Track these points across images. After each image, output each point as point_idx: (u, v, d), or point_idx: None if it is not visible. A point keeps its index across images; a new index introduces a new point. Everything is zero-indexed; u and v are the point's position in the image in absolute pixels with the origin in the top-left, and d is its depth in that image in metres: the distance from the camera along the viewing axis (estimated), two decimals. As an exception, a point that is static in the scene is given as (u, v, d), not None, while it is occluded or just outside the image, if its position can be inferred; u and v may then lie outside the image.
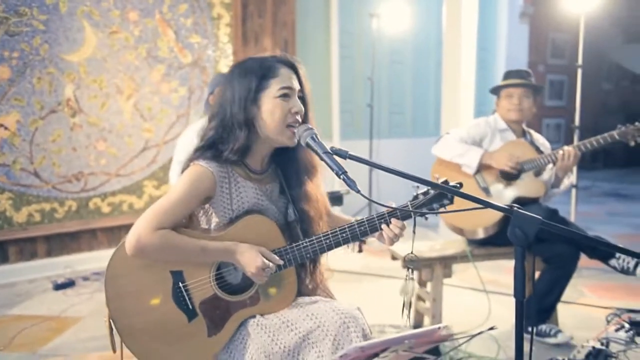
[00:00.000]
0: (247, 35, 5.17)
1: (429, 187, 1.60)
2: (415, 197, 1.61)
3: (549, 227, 1.40)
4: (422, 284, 3.15)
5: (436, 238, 4.76)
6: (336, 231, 1.58)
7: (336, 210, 3.00)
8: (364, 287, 3.92)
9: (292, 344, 1.49)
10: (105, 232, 4.45)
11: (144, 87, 4.59)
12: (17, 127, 4.06)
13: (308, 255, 1.60)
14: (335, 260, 2.73)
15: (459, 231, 2.99)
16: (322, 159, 1.48)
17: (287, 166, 1.68)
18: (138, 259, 1.51)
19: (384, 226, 1.59)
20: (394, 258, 3.11)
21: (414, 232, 1.62)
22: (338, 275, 4.10)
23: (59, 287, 3.89)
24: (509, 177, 2.95)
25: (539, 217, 1.37)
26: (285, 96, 1.57)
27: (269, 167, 1.69)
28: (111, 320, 1.55)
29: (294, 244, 1.60)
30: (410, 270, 1.70)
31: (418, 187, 1.64)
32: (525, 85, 3.01)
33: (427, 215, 1.62)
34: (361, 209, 5.44)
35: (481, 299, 3.41)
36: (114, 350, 1.55)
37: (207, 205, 1.60)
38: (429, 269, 2.96)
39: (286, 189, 1.67)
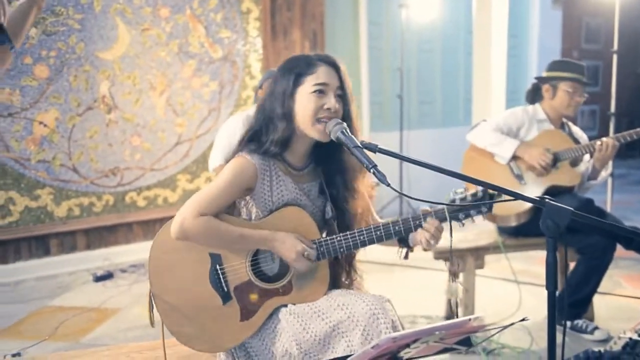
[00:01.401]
0: (276, 28, 5.20)
1: (466, 193, 1.60)
2: (453, 202, 1.62)
3: (581, 218, 1.39)
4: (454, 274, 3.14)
5: (469, 228, 4.72)
6: (370, 228, 1.62)
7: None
8: (395, 278, 3.94)
9: (323, 333, 1.52)
10: (140, 225, 4.56)
11: (175, 83, 4.67)
12: (56, 124, 4.19)
13: (342, 250, 1.64)
14: (365, 251, 2.77)
15: (491, 218, 2.97)
16: (352, 153, 1.51)
17: (330, 165, 1.72)
18: (181, 240, 1.58)
19: (419, 229, 1.63)
20: (424, 250, 3.11)
21: (450, 235, 1.66)
22: (369, 266, 4.12)
23: (98, 279, 4.01)
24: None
25: (571, 208, 1.37)
26: (319, 92, 1.61)
27: (309, 164, 1.73)
28: (152, 296, 1.62)
29: (328, 238, 1.64)
30: (454, 274, 1.71)
31: (456, 192, 1.65)
32: (586, 84, 2.95)
33: (463, 222, 1.62)
34: (389, 202, 5.44)
35: (513, 290, 3.39)
36: (153, 325, 1.61)
37: (247, 197, 1.66)
38: (461, 260, 2.96)
39: (325, 187, 1.71)
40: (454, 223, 1.66)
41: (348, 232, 1.64)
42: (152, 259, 1.62)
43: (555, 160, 2.88)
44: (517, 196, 1.46)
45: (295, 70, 1.65)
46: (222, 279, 1.62)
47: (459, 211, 1.63)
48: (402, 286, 3.76)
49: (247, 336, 1.63)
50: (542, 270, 4.01)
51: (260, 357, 1.63)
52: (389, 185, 1.43)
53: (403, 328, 1.72)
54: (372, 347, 0.96)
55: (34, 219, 4.14)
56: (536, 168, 2.87)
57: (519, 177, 2.93)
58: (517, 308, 3.19)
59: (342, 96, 1.66)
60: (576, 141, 2.98)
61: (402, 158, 1.52)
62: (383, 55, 5.90)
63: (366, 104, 5.78)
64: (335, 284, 1.74)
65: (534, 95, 3.07)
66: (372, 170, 1.45)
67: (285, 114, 1.63)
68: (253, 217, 1.67)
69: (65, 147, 4.24)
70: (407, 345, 0.97)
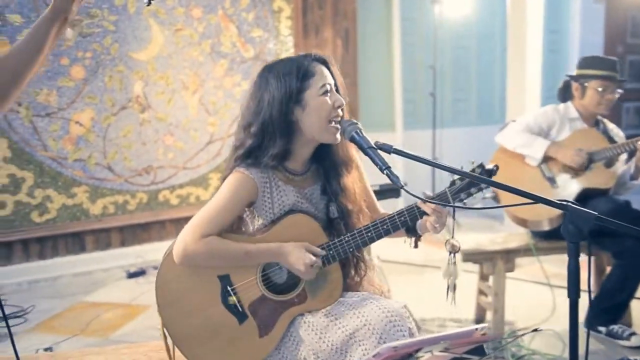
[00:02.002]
0: (307, 27, 5.19)
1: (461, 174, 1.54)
2: (453, 183, 1.58)
3: (605, 223, 1.33)
4: (484, 277, 3.07)
5: (502, 230, 4.61)
6: (377, 223, 1.58)
7: (393, 202, 2.99)
8: (425, 279, 3.87)
9: (339, 342, 1.50)
10: (173, 223, 4.62)
11: (208, 82, 4.71)
12: (92, 123, 4.29)
13: (351, 250, 1.60)
14: (395, 252, 2.73)
15: (522, 222, 2.89)
16: (366, 154, 1.48)
17: (324, 161, 1.68)
18: (185, 266, 1.56)
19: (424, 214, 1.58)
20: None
21: (453, 217, 1.63)
22: (399, 268, 4.07)
23: (131, 275, 4.09)
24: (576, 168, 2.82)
25: (601, 211, 1.31)
26: (326, 92, 1.58)
27: (310, 167, 1.70)
28: (164, 328, 1.61)
29: (336, 240, 1.60)
30: (452, 254, 1.66)
31: (462, 167, 1.60)
32: (619, 80, 2.82)
33: (465, 201, 1.59)
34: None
35: (546, 294, 3.28)
36: (171, 358, 1.60)
37: (251, 209, 1.65)
38: (490, 262, 2.89)
39: (327, 185, 1.68)
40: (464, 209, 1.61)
41: (355, 231, 1.60)
42: (159, 291, 1.59)
43: (589, 161, 2.77)
44: (538, 200, 1.41)
45: (293, 74, 1.57)
46: (235, 299, 1.59)
47: (460, 191, 1.58)
48: (431, 287, 3.69)
49: (268, 351, 1.60)
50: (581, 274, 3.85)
51: None
52: (402, 187, 1.40)
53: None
54: (374, 356, 0.94)
55: (71, 216, 4.25)
56: (570, 168, 2.77)
57: (551, 180, 2.84)
58: (550, 313, 3.09)
59: (337, 90, 1.64)
60: (611, 140, 2.86)
61: (418, 159, 1.48)
62: (416, 52, 5.81)
63: (399, 101, 5.70)
64: (346, 283, 1.69)
65: (565, 93, 2.96)
66: (385, 172, 1.41)
67: (288, 124, 1.57)
68: (257, 226, 1.64)
69: (100, 146, 4.33)
70: (410, 355, 0.94)
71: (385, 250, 3.40)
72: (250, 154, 1.59)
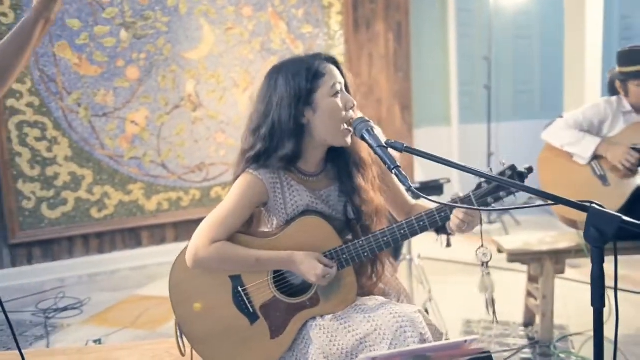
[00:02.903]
0: (358, 21, 5.13)
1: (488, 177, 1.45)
2: (479, 186, 1.50)
3: (631, 227, 1.21)
4: (532, 279, 2.92)
5: (547, 228, 4.35)
6: (393, 228, 1.53)
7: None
8: (473, 279, 3.72)
9: (350, 346, 1.46)
10: (226, 219, 4.70)
11: (258, 80, 4.72)
12: (146, 122, 4.43)
13: (365, 254, 1.55)
14: (439, 249, 2.63)
15: (572, 224, 2.72)
16: (375, 153, 1.42)
17: (339, 161, 1.63)
18: (197, 270, 1.56)
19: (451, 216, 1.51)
20: (499, 251, 2.91)
21: (480, 223, 1.53)
22: (452, 267, 3.95)
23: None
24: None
25: (619, 214, 1.20)
26: (337, 93, 1.54)
27: (324, 168, 1.65)
28: (178, 325, 1.62)
29: (350, 243, 1.56)
30: (485, 264, 1.57)
31: (491, 169, 1.51)
32: None
33: (494, 205, 1.49)
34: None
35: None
36: (182, 354, 1.62)
37: (264, 209, 1.63)
38: (538, 263, 2.74)
39: (342, 185, 1.63)
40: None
41: (371, 235, 1.55)
42: (172, 289, 1.61)
43: (643, 160, 2.56)
44: (557, 200, 1.30)
45: (302, 75, 1.51)
46: (246, 301, 1.58)
47: (486, 195, 1.49)
48: (470, 287, 3.55)
49: (281, 353, 1.58)
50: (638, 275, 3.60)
51: None
52: (410, 188, 1.33)
53: (442, 335, 1.62)
54: (353, 366, 0.89)
55: (127, 212, 4.42)
56: (620, 170, 2.58)
57: (602, 178, 2.64)
58: (607, 317, 2.89)
59: (347, 89, 1.59)
60: (672, 133, 2.63)
61: (433, 158, 1.41)
62: (473, 43, 5.61)
63: (455, 94, 5.54)
64: (360, 282, 1.64)
65: (613, 89, 2.75)
66: (394, 172, 1.35)
67: (297, 127, 1.52)
68: (275, 226, 1.63)
69: (154, 145, 4.47)
70: (390, 367, 0.89)
71: (427, 248, 3.31)
72: (260, 157, 1.56)
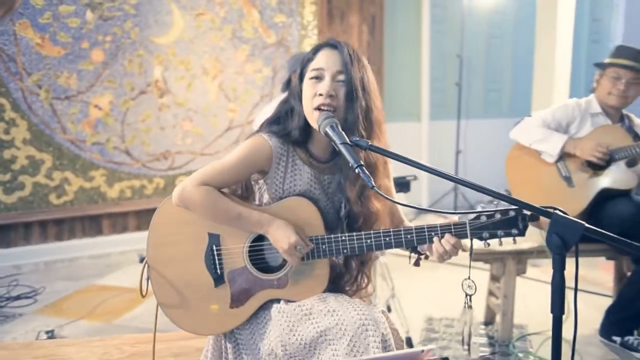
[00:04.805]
0: (332, 12, 5.07)
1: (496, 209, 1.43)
2: (477, 217, 1.44)
3: (594, 235, 1.20)
4: (494, 278, 2.94)
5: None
6: (379, 233, 1.49)
7: (401, 196, 2.87)
8: (438, 276, 3.73)
9: (309, 338, 1.43)
10: (190, 209, 4.62)
11: (228, 68, 4.66)
12: (110, 107, 4.30)
13: (345, 251, 1.53)
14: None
15: (536, 224, 2.73)
16: (338, 150, 1.39)
17: (347, 163, 1.59)
18: (181, 208, 1.55)
19: (435, 240, 1.46)
20: (463, 250, 2.90)
21: (470, 254, 1.48)
22: (402, 261, 3.94)
23: (143, 259, 4.10)
24: (595, 167, 2.64)
25: (582, 222, 1.18)
26: (316, 78, 1.52)
27: (333, 158, 1.62)
28: (147, 266, 1.60)
29: (333, 236, 1.53)
30: (468, 297, 1.52)
31: (484, 206, 1.48)
32: (637, 69, 2.62)
33: (488, 242, 1.45)
34: (443, 195, 5.22)
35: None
36: (142, 296, 1.59)
37: (261, 181, 1.60)
38: (501, 263, 2.75)
39: (344, 186, 1.59)
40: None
41: (354, 234, 1.52)
42: (152, 230, 1.60)
43: (610, 159, 2.59)
44: (524, 206, 1.28)
45: (305, 56, 1.59)
46: (216, 261, 1.57)
47: (484, 229, 1.45)
48: (443, 285, 3.57)
49: (234, 325, 1.57)
50: (600, 276, 3.69)
51: (248, 351, 1.57)
52: (373, 187, 1.30)
53: (402, 342, 1.60)
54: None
55: (88, 199, 4.29)
56: (590, 165, 2.60)
57: (567, 180, 2.66)
58: (565, 317, 2.93)
59: (347, 81, 1.51)
60: (637, 137, 2.66)
61: (395, 157, 1.37)
62: (446, 40, 5.61)
63: (426, 91, 5.54)
64: (337, 286, 1.62)
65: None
66: (357, 170, 1.32)
67: (299, 103, 1.57)
68: (264, 204, 1.61)
69: (118, 130, 4.34)
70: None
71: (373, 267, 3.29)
72: (278, 122, 1.60)
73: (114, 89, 4.29)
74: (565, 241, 1.21)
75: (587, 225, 1.19)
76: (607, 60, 2.70)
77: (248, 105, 4.78)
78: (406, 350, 0.88)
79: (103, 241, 4.36)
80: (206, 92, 4.61)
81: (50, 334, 2.83)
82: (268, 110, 3.08)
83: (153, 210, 1.61)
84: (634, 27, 6.67)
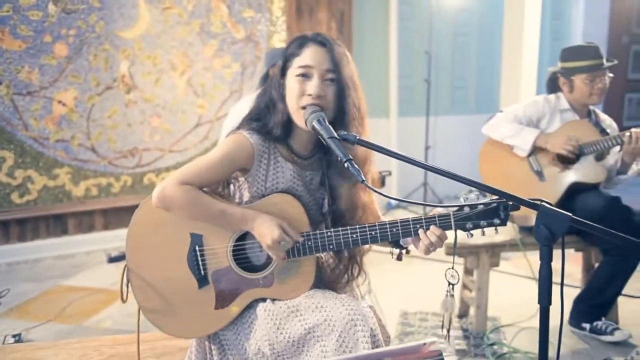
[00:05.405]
0: (301, 8, 5.05)
1: (479, 201, 1.45)
2: (461, 208, 1.45)
3: (580, 226, 1.23)
4: (468, 271, 2.98)
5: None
6: (365, 227, 1.49)
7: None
8: (412, 270, 3.76)
9: (297, 335, 1.42)
10: (159, 207, 4.53)
11: (197, 63, 4.59)
12: (75, 103, 4.18)
13: (330, 247, 1.52)
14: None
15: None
16: (326, 144, 1.38)
17: (333, 160, 1.57)
18: (161, 209, 1.51)
19: (420, 232, 1.47)
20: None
21: (454, 245, 1.51)
22: (386, 257, 3.97)
23: (112, 260, 3.98)
24: (565, 161, 2.71)
25: (569, 214, 1.21)
26: (303, 76, 1.49)
27: (315, 154, 1.61)
28: (127, 269, 1.56)
29: (318, 232, 1.51)
30: (451, 286, 1.54)
31: (467, 197, 1.49)
32: (607, 67, 2.68)
33: (471, 233, 1.46)
34: (413, 190, 5.27)
35: (534, 290, 3.19)
36: (123, 301, 1.55)
37: (242, 179, 1.58)
38: (475, 256, 2.79)
39: (327, 182, 1.59)
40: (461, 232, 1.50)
41: (340, 229, 1.51)
42: (131, 233, 1.55)
43: (580, 153, 2.66)
44: (511, 198, 1.30)
45: (287, 50, 1.55)
46: (199, 262, 1.53)
47: (467, 219, 1.46)
48: (417, 279, 3.60)
49: (219, 327, 1.54)
50: (570, 268, 3.78)
51: (234, 351, 1.54)
52: (362, 181, 1.30)
53: (389, 337, 1.60)
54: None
55: (52, 198, 4.16)
56: (561, 159, 2.66)
57: (539, 174, 2.72)
58: (536, 310, 3.00)
59: (337, 80, 1.50)
60: (603, 132, 2.74)
61: (384, 151, 1.37)
62: (414, 37, 5.65)
63: (394, 87, 5.57)
64: (322, 279, 1.61)
65: (553, 86, 2.83)
66: (346, 164, 1.31)
67: (281, 98, 1.54)
68: (244, 202, 1.57)
69: (84, 127, 4.22)
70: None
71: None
72: (259, 118, 1.56)
73: (79, 85, 4.17)
74: (552, 232, 1.23)
75: (573, 216, 1.21)
76: (572, 65, 2.72)
77: (217, 101, 4.72)
78: (408, 343, 0.88)
79: (69, 241, 4.24)
80: (174, 87, 4.53)
81: (17, 338, 2.73)
82: (242, 106, 3.05)
83: (120, 208, 1.57)
84: (594, 24, 6.87)
